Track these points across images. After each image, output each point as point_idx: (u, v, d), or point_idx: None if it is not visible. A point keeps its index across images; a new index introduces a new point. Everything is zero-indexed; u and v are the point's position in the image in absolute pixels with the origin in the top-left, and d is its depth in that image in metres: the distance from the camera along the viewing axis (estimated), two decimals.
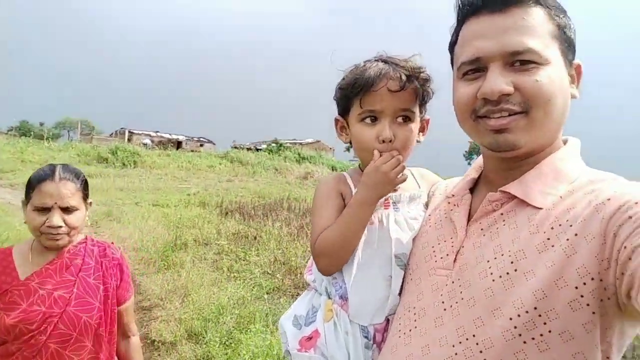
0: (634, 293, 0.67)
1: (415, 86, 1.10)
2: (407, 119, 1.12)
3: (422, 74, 1.13)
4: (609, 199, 0.79)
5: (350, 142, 1.20)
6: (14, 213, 8.50)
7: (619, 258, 0.71)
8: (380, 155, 1.09)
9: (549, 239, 0.82)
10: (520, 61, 0.86)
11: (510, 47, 0.86)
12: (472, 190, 1.08)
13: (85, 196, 1.71)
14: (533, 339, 0.78)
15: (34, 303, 1.55)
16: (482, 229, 0.95)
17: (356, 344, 1.10)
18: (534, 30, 0.87)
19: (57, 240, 1.59)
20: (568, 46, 0.92)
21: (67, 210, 1.59)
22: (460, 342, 0.86)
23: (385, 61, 1.12)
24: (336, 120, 1.25)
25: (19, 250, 1.69)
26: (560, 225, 0.82)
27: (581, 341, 0.75)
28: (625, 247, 0.70)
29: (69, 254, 1.68)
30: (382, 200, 1.13)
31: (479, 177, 1.10)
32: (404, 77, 1.08)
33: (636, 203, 0.74)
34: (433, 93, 1.18)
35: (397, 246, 1.11)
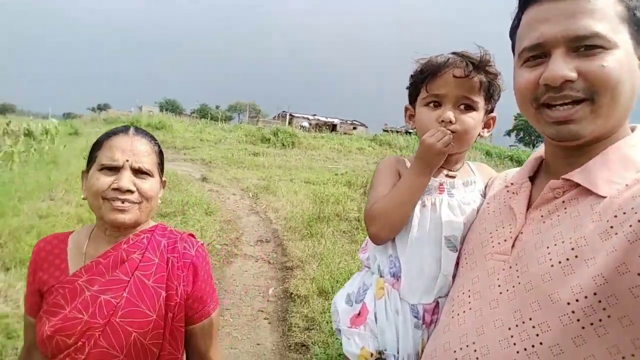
0: None
1: (480, 76, 1.14)
2: (470, 108, 1.15)
3: (489, 67, 1.16)
4: None
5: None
6: (193, 183, 10.25)
7: None
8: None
9: (612, 227, 0.79)
10: (586, 46, 0.84)
11: (575, 32, 0.84)
12: (532, 179, 1.07)
13: (161, 166, 1.39)
14: (592, 324, 0.76)
15: (75, 308, 1.20)
16: (542, 216, 0.94)
17: (406, 323, 1.12)
18: (601, 13, 0.84)
19: (124, 211, 1.24)
20: (639, 29, 0.88)
21: (139, 173, 1.27)
22: (516, 325, 0.85)
23: (455, 53, 1.18)
24: (406, 108, 1.31)
25: (76, 238, 1.36)
26: (624, 213, 0.79)
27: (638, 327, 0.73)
28: None
29: (128, 244, 1.30)
30: (437, 185, 1.18)
31: (540, 166, 1.09)
32: (469, 66, 1.13)
33: None
34: (500, 91, 1.21)
35: (448, 228, 1.13)
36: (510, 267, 0.92)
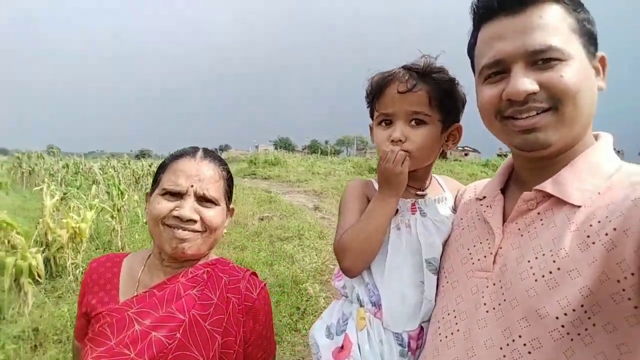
0: None
1: (427, 87, 1.09)
2: (421, 122, 1.10)
3: (437, 75, 1.10)
4: None
5: None
6: (307, 212, 10.94)
7: None
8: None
9: (589, 236, 0.81)
10: (543, 59, 0.87)
11: (531, 47, 0.87)
12: (503, 191, 1.07)
13: (229, 194, 1.28)
14: (579, 334, 0.77)
15: (122, 342, 1.08)
16: (519, 229, 0.95)
17: (391, 353, 1.08)
18: (553, 27, 0.87)
19: (184, 240, 1.13)
20: (589, 39, 0.91)
21: (204, 200, 1.17)
22: (507, 344, 0.85)
23: (404, 66, 1.13)
24: (370, 128, 1.26)
25: (130, 262, 1.25)
26: (599, 222, 0.81)
27: (624, 333, 0.75)
28: None
29: (186, 277, 1.19)
30: (408, 205, 1.17)
31: (509, 177, 1.10)
32: (412, 79, 1.08)
33: None
34: (460, 98, 1.16)
35: (427, 250, 1.11)
36: (494, 284, 0.92)
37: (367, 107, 1.23)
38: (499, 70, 0.92)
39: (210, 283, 1.20)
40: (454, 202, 1.25)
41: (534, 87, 0.87)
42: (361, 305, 1.14)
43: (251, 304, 1.21)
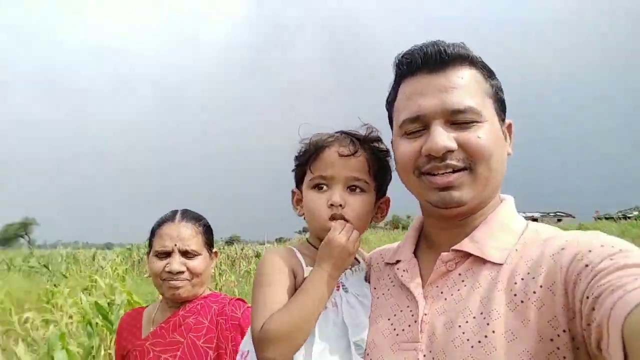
0: (604, 345, 0.64)
1: (367, 155, 1.07)
2: (360, 189, 1.07)
3: (376, 144, 1.10)
4: (563, 248, 0.81)
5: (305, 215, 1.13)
6: None
7: (582, 309, 0.70)
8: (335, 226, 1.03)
9: (516, 295, 0.81)
10: (461, 119, 0.89)
11: (451, 106, 0.88)
12: (415, 253, 1.05)
13: (209, 243, 1.62)
14: None
15: None
16: (442, 292, 0.91)
17: None
18: (472, 89, 0.90)
19: (178, 288, 1.49)
20: (500, 105, 0.96)
21: (187, 254, 1.51)
22: None
23: (341, 131, 1.11)
24: (293, 193, 1.19)
25: (149, 310, 1.66)
26: (522, 279, 0.82)
27: None
28: (587, 298, 0.69)
29: (184, 310, 1.54)
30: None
31: (418, 240, 1.08)
32: (354, 143, 1.06)
33: (590, 251, 0.75)
34: (390, 171, 1.13)
35: (355, 332, 1.01)
36: (425, 356, 0.87)
37: (295, 171, 1.17)
38: (418, 125, 0.93)
39: (203, 311, 1.54)
40: (366, 271, 1.18)
41: (453, 144, 0.88)
42: None
43: (237, 322, 1.53)
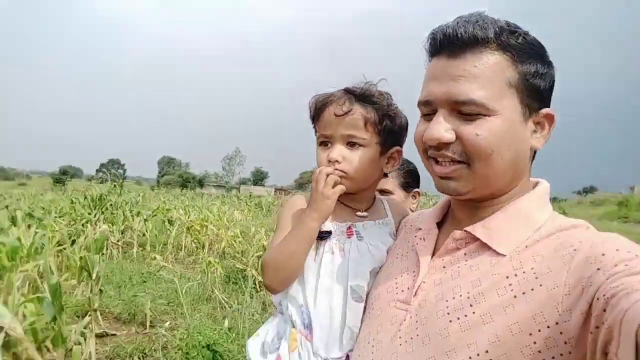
0: (612, 348, 0.61)
1: (363, 111, 1.10)
2: (358, 145, 1.11)
3: (375, 99, 1.12)
4: (575, 249, 0.78)
5: None
6: None
7: (590, 310, 0.68)
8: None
9: (510, 284, 0.80)
10: (465, 110, 0.85)
11: (454, 96, 0.85)
12: (440, 224, 1.06)
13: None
14: None
15: None
16: (444, 267, 0.94)
17: None
18: (485, 79, 0.84)
19: None
20: (531, 94, 0.87)
21: None
22: None
23: (344, 89, 1.15)
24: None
25: None
26: (524, 272, 0.81)
27: None
28: (597, 299, 0.66)
29: None
30: (344, 229, 1.15)
31: (447, 212, 1.09)
32: (348, 102, 1.10)
33: (603, 254, 0.72)
34: (399, 122, 1.16)
35: (354, 277, 1.09)
36: (411, 317, 0.91)
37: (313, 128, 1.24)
38: (429, 109, 0.92)
39: None
40: (396, 229, 1.22)
41: (449, 135, 0.86)
42: (294, 326, 1.13)
43: None
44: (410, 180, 1.80)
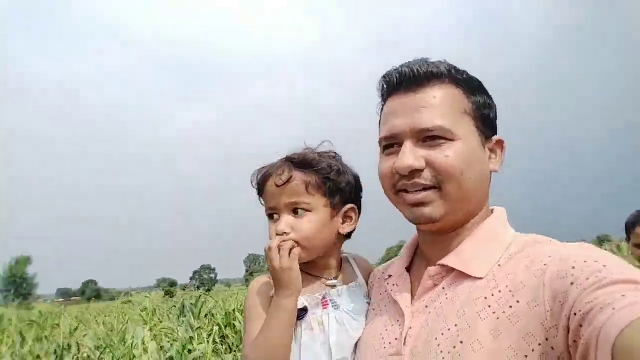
0: None
1: (303, 177, 1.08)
2: (304, 210, 1.09)
3: (314, 162, 1.11)
4: (545, 264, 0.80)
5: None
6: None
7: (569, 325, 0.70)
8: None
9: (489, 306, 0.82)
10: (430, 137, 0.90)
11: (419, 125, 0.90)
12: (409, 269, 1.07)
13: None
14: None
15: None
16: (426, 306, 0.93)
17: None
18: (444, 108, 0.91)
19: None
20: (484, 122, 0.95)
21: None
22: None
23: (285, 157, 1.14)
24: None
25: None
26: (500, 291, 0.82)
27: None
28: (575, 314, 0.69)
29: None
30: (318, 300, 1.09)
31: (414, 255, 1.10)
32: (287, 171, 1.08)
33: (573, 268, 0.75)
34: (346, 180, 1.14)
35: (338, 351, 1.03)
36: None
37: None
38: (394, 144, 0.96)
39: None
40: (367, 287, 1.19)
41: (419, 163, 0.90)
42: None
43: None
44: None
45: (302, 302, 1.07)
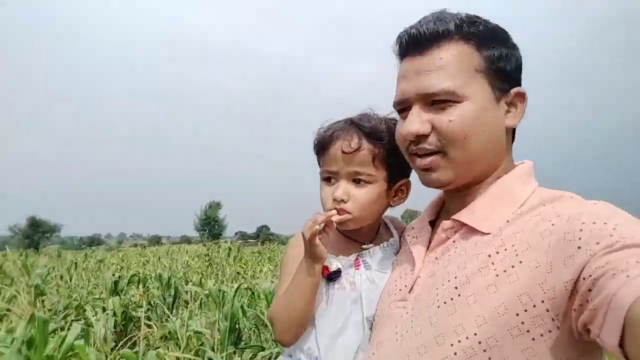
0: (594, 328, 0.64)
1: (371, 147, 1.07)
2: (364, 182, 1.08)
3: (383, 134, 1.08)
4: (553, 224, 0.79)
5: None
6: None
7: (576, 289, 0.69)
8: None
9: (493, 263, 0.82)
10: (436, 101, 0.88)
11: (424, 89, 0.89)
12: (433, 223, 1.08)
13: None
14: None
15: None
16: (436, 258, 0.95)
17: None
18: (451, 69, 0.88)
19: None
20: (499, 76, 0.91)
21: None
22: None
23: (350, 121, 1.12)
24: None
25: None
26: (505, 249, 0.82)
27: None
28: (584, 279, 0.68)
29: None
30: (351, 262, 1.12)
31: (441, 208, 1.11)
32: (356, 139, 1.06)
33: (581, 230, 0.73)
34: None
35: (368, 308, 1.06)
36: (407, 313, 0.92)
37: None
38: (404, 108, 0.95)
39: None
40: (399, 243, 1.20)
41: (424, 128, 0.89)
42: None
43: None
44: None
45: (335, 264, 1.11)
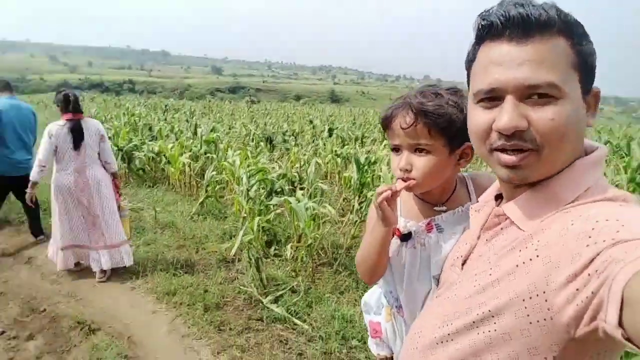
0: (601, 315, 0.63)
1: (426, 121, 1.12)
2: (425, 151, 1.14)
3: (442, 109, 1.13)
4: (572, 224, 0.78)
5: None
6: None
7: (583, 285, 0.68)
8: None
9: (520, 257, 0.83)
10: (538, 94, 0.81)
11: (528, 81, 0.80)
12: (499, 197, 1.06)
13: None
14: (484, 332, 0.82)
15: None
16: (487, 240, 0.97)
17: None
18: (555, 62, 0.81)
19: None
20: (587, 74, 0.85)
21: None
22: (440, 330, 0.93)
23: (407, 98, 1.17)
24: None
25: None
26: (536, 249, 0.82)
27: (519, 342, 0.78)
28: (589, 275, 0.67)
29: None
30: (423, 226, 1.21)
31: None
32: (411, 116, 1.13)
33: (593, 229, 0.72)
34: (464, 120, 1.03)
35: (435, 268, 1.17)
36: (453, 281, 1.00)
37: None
38: (492, 97, 0.87)
39: None
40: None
41: (523, 123, 0.81)
42: (389, 303, 1.35)
43: None
44: None
45: (408, 226, 1.21)
